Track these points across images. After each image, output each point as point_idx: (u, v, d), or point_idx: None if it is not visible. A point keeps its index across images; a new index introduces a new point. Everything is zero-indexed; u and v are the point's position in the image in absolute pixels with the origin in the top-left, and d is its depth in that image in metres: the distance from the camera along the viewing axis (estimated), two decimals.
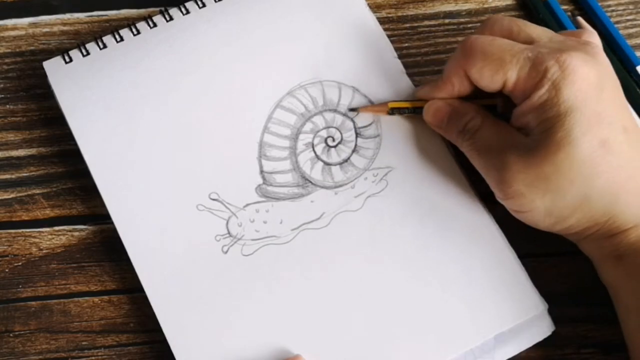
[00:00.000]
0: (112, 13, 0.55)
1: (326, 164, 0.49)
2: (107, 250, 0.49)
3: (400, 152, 0.49)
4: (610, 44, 0.53)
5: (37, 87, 0.53)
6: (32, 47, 0.54)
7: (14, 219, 0.50)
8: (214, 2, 0.52)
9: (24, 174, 0.51)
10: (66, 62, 0.50)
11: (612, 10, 0.55)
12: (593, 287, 0.48)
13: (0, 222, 0.50)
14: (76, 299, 0.49)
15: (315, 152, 0.50)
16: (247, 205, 0.48)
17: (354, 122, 0.50)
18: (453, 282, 0.47)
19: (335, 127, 0.50)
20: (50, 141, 0.52)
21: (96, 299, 0.49)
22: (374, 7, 0.54)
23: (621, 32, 0.54)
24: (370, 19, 0.52)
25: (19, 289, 0.49)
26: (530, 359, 0.47)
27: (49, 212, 0.50)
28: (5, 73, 0.53)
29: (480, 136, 0.45)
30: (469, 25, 0.54)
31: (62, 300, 0.49)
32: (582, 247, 0.47)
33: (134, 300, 0.49)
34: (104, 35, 0.51)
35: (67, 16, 0.54)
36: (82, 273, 0.49)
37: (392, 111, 0.49)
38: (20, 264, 0.49)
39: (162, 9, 0.52)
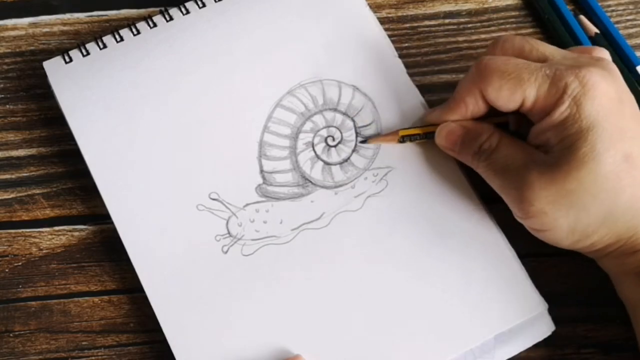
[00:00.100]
0: (112, 13, 0.55)
1: (326, 163, 0.49)
2: (107, 250, 0.49)
3: (401, 152, 0.49)
4: (611, 44, 0.53)
5: (37, 87, 0.53)
6: (32, 47, 0.54)
7: (14, 219, 0.50)
8: (214, 2, 0.52)
9: (24, 174, 0.51)
10: (66, 62, 0.50)
11: (612, 10, 0.55)
12: (593, 287, 0.48)
13: (0, 222, 0.50)
14: (76, 299, 0.49)
15: (315, 152, 0.50)
16: (247, 205, 0.48)
17: (354, 121, 0.50)
18: (453, 282, 0.47)
19: (335, 127, 0.50)
20: (50, 141, 0.52)
21: (96, 299, 0.49)
22: (374, 7, 0.54)
23: (621, 32, 0.54)
24: (370, 19, 0.52)
25: (19, 289, 0.49)
26: (530, 359, 0.47)
27: (49, 212, 0.50)
28: (5, 73, 0.53)
29: (498, 156, 0.45)
30: (469, 25, 0.54)
31: (62, 300, 0.49)
32: (602, 263, 0.46)
33: (134, 300, 0.49)
34: (104, 35, 0.51)
35: (67, 16, 0.54)
36: (82, 273, 0.49)
37: (403, 139, 0.49)
38: (20, 264, 0.49)
39: (162, 9, 0.52)
